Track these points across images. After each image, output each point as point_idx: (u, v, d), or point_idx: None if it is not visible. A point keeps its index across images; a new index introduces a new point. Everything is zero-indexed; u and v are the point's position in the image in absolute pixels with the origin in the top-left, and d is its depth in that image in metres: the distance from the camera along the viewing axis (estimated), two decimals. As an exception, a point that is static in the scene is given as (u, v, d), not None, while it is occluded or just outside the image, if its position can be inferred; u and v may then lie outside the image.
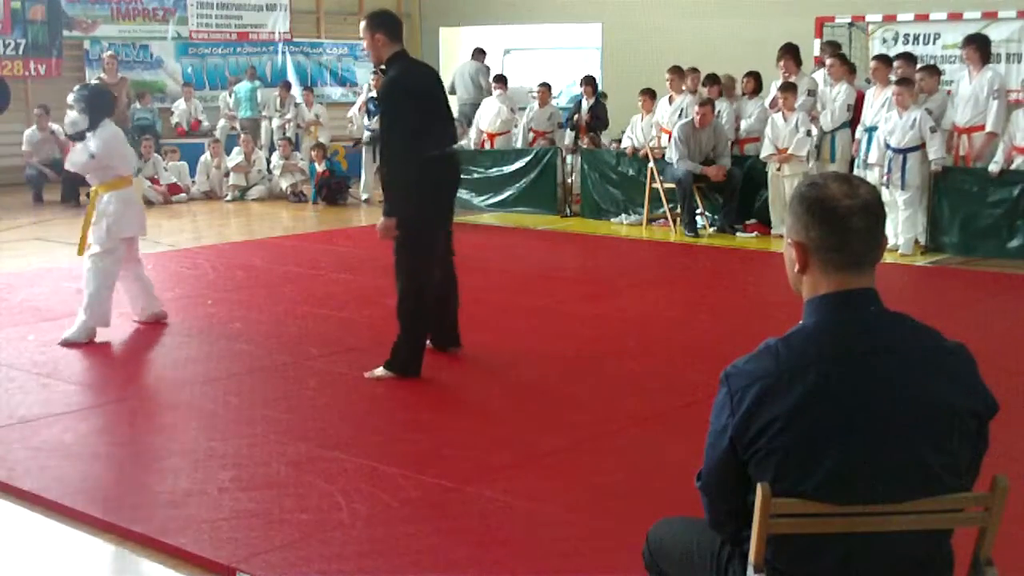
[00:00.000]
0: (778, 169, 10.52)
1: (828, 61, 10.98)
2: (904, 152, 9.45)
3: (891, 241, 9.19)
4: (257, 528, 3.85)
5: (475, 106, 15.06)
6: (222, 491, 4.19)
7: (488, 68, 15.39)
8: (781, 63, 10.96)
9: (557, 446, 4.70)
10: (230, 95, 15.76)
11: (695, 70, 11.89)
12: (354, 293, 8.06)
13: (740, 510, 2.14)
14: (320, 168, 13.52)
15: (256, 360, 6.20)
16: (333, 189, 13.47)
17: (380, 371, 5.71)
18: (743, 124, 11.40)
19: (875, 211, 2.08)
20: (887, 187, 9.42)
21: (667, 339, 6.29)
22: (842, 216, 2.04)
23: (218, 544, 3.70)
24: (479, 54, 15.58)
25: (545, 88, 13.29)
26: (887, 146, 9.51)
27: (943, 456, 2.04)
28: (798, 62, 11.11)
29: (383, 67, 5.74)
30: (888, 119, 9.55)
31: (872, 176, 9.50)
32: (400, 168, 5.53)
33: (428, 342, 5.95)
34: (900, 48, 12.93)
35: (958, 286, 8.51)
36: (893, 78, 9.93)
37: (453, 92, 15.26)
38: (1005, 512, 2.10)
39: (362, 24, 5.76)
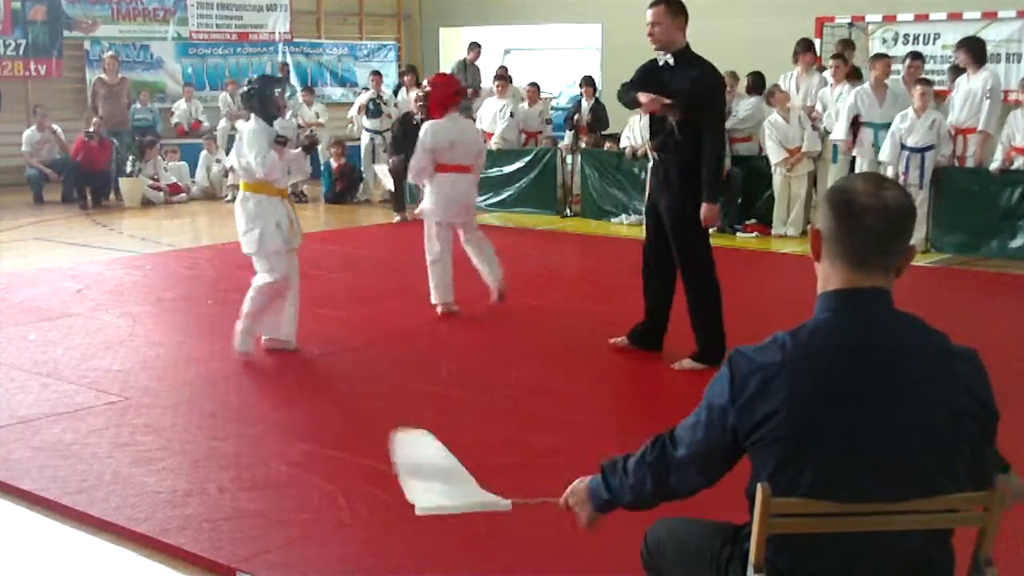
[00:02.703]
0: (789, 170, 10.49)
1: (831, 63, 10.99)
2: (922, 151, 9.48)
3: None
4: (257, 528, 3.85)
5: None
6: (222, 491, 4.19)
7: (468, 66, 15.12)
8: (805, 57, 11.01)
9: (557, 446, 4.70)
10: None
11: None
12: (354, 293, 8.07)
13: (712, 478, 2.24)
14: (335, 164, 13.62)
15: (256, 360, 6.19)
16: (347, 184, 13.59)
17: (689, 363, 5.85)
18: (730, 122, 11.37)
19: (895, 215, 2.06)
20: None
21: (667, 339, 6.27)
22: (855, 212, 2.06)
23: (218, 544, 3.71)
24: (471, 49, 15.39)
25: (533, 88, 13.25)
26: (902, 145, 9.52)
27: (942, 457, 2.04)
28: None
29: (671, 56, 5.93)
30: (905, 117, 9.56)
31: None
32: (721, 157, 5.90)
33: (627, 340, 6.15)
34: (900, 48, 12.93)
35: (958, 286, 8.50)
36: (890, 80, 9.98)
37: None
38: (1005, 512, 2.10)
39: (661, 6, 5.82)
